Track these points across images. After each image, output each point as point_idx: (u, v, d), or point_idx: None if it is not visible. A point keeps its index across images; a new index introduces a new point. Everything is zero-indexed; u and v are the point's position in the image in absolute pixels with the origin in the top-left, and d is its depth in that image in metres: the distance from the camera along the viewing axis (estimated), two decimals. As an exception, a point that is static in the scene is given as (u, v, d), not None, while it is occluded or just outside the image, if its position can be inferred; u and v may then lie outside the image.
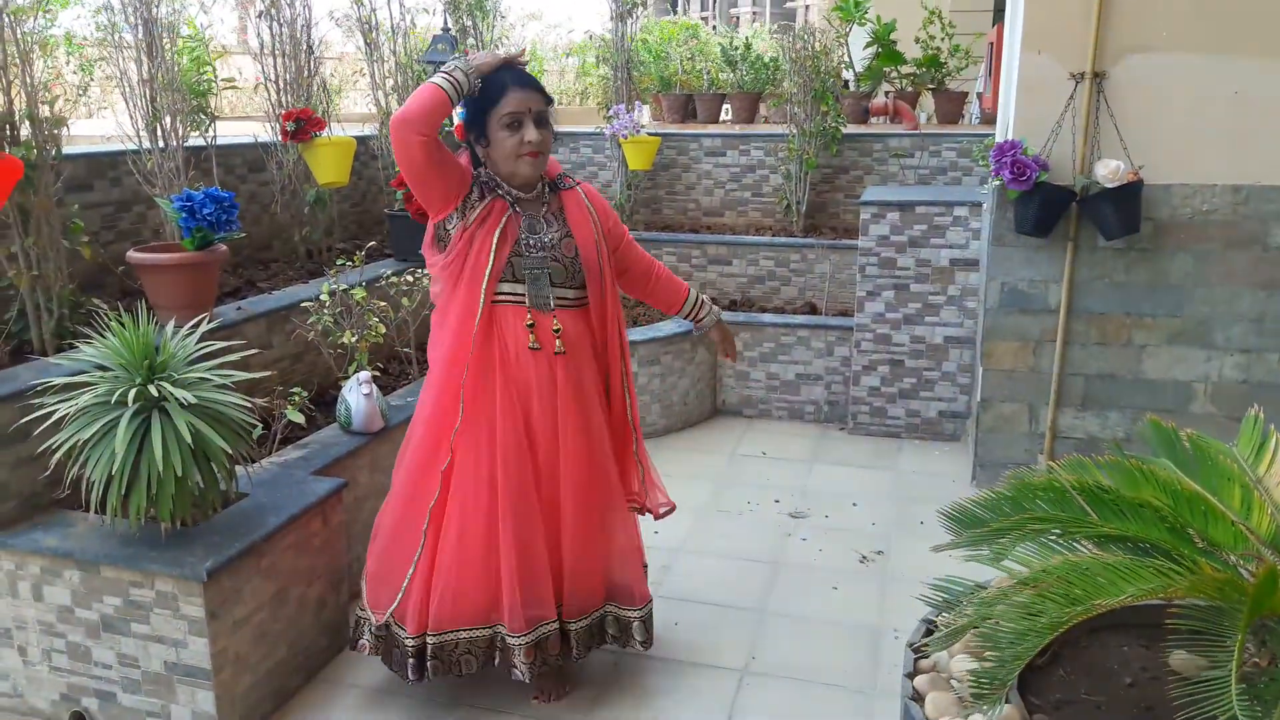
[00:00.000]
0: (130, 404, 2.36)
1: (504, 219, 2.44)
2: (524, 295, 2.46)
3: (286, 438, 3.35)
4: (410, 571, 2.57)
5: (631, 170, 6.03)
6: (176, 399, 2.40)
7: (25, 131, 3.01)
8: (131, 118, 3.62)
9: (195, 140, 4.04)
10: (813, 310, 5.57)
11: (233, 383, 2.61)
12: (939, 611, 2.14)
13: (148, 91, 3.61)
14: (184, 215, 3.20)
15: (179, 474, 2.40)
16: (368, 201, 5.36)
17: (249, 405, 2.58)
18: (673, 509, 2.88)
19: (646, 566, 2.91)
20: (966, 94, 7.45)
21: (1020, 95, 3.99)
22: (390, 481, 2.77)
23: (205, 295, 3.36)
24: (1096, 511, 2.04)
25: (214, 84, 4.18)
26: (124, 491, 2.41)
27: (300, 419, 3.20)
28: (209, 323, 2.90)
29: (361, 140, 5.06)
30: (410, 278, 3.94)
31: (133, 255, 3.27)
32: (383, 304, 3.78)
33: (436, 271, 2.52)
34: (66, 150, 3.43)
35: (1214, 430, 2.36)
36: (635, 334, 5.03)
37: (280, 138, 4.26)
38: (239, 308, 3.64)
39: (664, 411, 5.07)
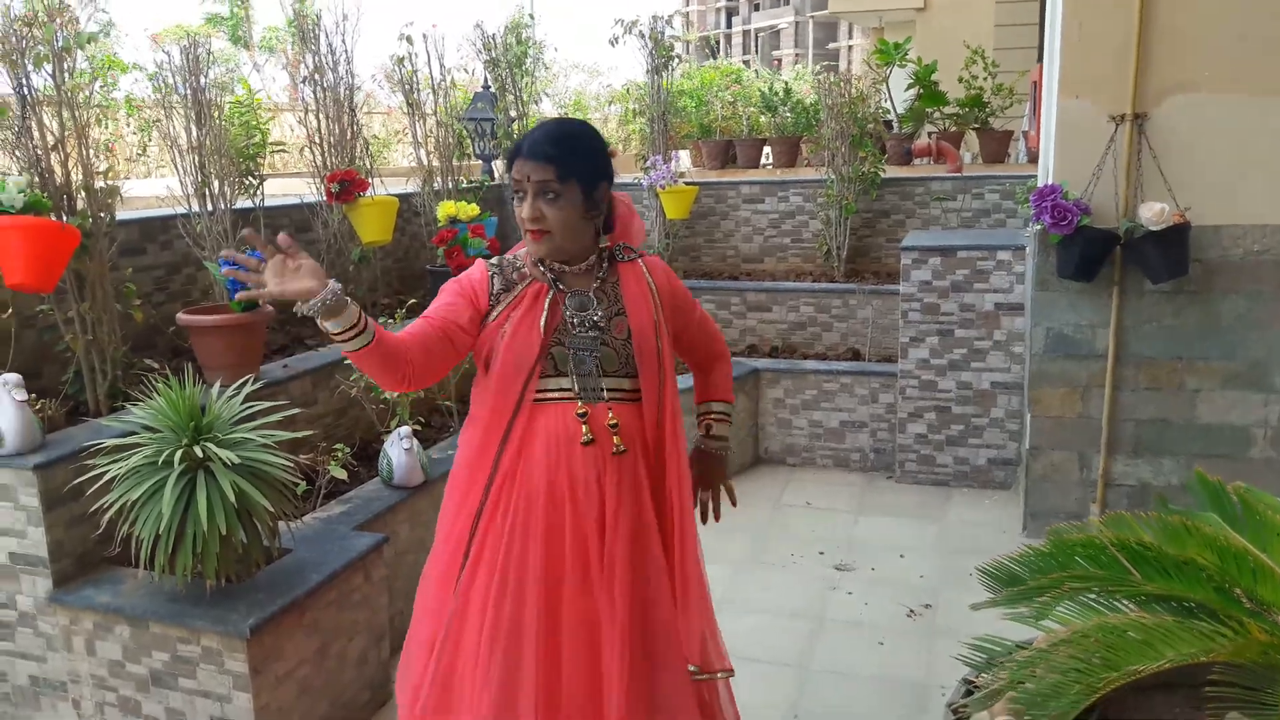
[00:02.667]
0: (176, 465, 2.46)
1: (547, 303, 2.06)
2: (570, 389, 2.05)
3: (330, 492, 3.44)
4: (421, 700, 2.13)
5: (670, 219, 6.12)
6: (221, 459, 2.50)
7: (81, 201, 3.15)
8: (181, 182, 3.78)
9: (244, 202, 4.20)
10: (855, 356, 5.58)
11: (276, 441, 2.70)
12: (978, 671, 2.13)
13: (196, 157, 3.76)
14: (229, 278, 3.33)
15: (223, 533, 2.48)
16: (410, 257, 5.50)
17: (291, 464, 2.66)
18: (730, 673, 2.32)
19: None
20: (1011, 132, 7.46)
21: (1060, 139, 4.01)
22: (430, 536, 2.72)
23: (252, 355, 3.48)
24: (1138, 569, 2.03)
25: (264, 147, 4.35)
26: (171, 550, 2.50)
27: (343, 474, 3.29)
28: (255, 382, 3.00)
29: (404, 198, 5.21)
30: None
31: (182, 317, 3.41)
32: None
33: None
34: (122, 215, 3.59)
35: (1275, 476, 2.33)
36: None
37: (325, 198, 4.41)
38: (285, 365, 3.76)
39: (706, 461, 5.09)
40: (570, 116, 3.00)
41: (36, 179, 3.00)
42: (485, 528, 2.07)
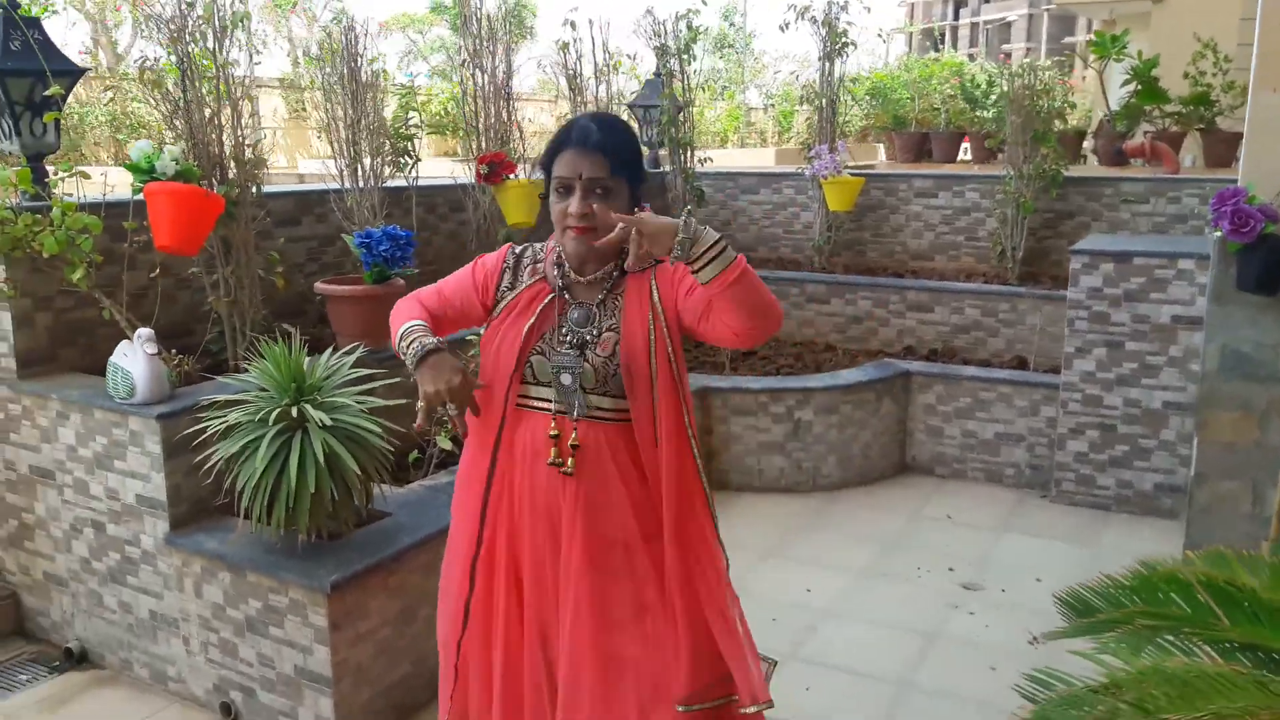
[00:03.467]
0: (271, 423, 2.62)
1: (542, 306, 2.02)
2: (552, 401, 1.99)
3: (444, 463, 3.56)
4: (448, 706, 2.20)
5: (832, 211, 5.95)
6: (315, 420, 2.64)
7: (231, 173, 3.41)
8: (335, 159, 4.02)
9: (399, 181, 4.42)
10: (1021, 365, 5.24)
11: (385, 408, 2.82)
12: (1024, 706, 1.96)
13: (350, 135, 3.98)
14: (363, 251, 3.51)
15: (313, 490, 2.62)
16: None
17: (382, 430, 2.78)
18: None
19: None
20: (1242, 134, 6.79)
21: (1250, 137, 3.61)
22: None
23: (382, 325, 3.64)
24: (1227, 613, 1.81)
25: (420, 129, 4.55)
26: (267, 503, 2.67)
27: (449, 446, 3.40)
28: (382, 351, 3.16)
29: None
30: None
31: (319, 286, 3.62)
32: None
33: None
34: (279, 188, 3.86)
35: None
36: (814, 380, 4.94)
37: (475, 180, 4.57)
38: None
39: (840, 464, 4.93)
40: (615, 114, 2.83)
41: (191, 149, 3.26)
42: (489, 536, 2.07)
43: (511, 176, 4.56)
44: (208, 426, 2.70)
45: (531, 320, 2.00)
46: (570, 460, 1.96)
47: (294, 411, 2.66)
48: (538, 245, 2.11)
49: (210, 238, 3.32)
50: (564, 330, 2.00)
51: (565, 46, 5.28)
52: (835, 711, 3.07)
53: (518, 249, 2.11)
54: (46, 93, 3.03)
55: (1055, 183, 5.46)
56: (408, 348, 1.93)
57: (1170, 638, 1.79)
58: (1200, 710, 1.45)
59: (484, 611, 2.08)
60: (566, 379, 1.98)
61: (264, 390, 2.74)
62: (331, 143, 4.02)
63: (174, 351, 3.22)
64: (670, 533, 1.99)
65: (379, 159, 4.10)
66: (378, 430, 2.78)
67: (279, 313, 3.70)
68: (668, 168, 6.42)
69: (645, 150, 6.74)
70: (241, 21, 3.27)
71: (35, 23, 3.11)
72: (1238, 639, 1.73)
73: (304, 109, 10.91)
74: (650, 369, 1.97)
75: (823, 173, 5.69)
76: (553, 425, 1.98)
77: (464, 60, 4.64)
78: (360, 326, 3.59)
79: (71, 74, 3.19)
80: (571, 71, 5.33)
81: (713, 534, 2.07)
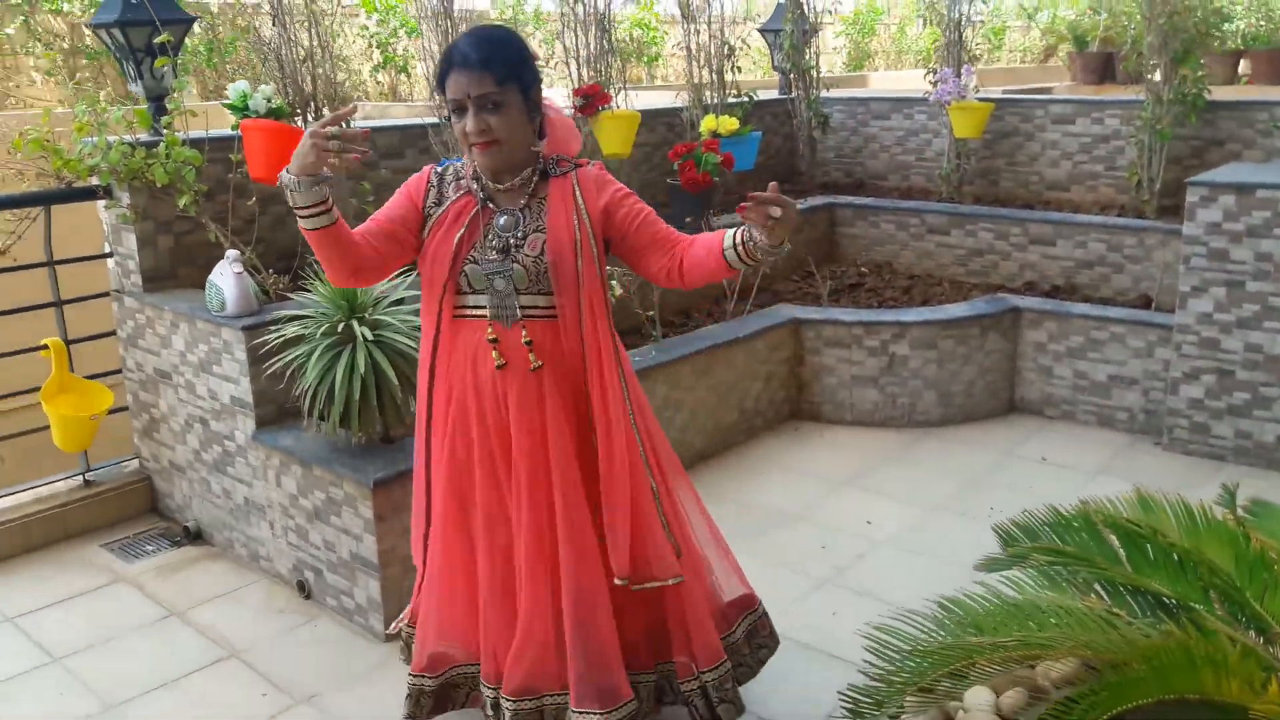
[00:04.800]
0: (319, 337, 3.00)
1: (470, 216, 2.18)
2: (485, 307, 2.18)
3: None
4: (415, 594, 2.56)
5: (958, 138, 5.81)
6: (360, 336, 3.00)
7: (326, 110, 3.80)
8: (431, 89, 4.34)
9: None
10: (1146, 304, 5.02)
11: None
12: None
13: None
14: (439, 180, 3.83)
15: (356, 397, 3.00)
16: (656, 172, 5.74)
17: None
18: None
19: (732, 619, 2.57)
20: None
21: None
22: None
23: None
24: (1131, 556, 1.85)
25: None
26: (323, 407, 3.07)
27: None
28: None
29: (672, 112, 5.48)
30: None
31: (403, 213, 3.98)
32: (617, 267, 4.16)
33: None
34: (385, 121, 4.24)
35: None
36: (910, 314, 4.93)
37: (572, 112, 4.80)
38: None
39: (940, 400, 4.92)
40: (493, 24, 2.86)
41: (284, 87, 3.66)
42: (435, 439, 2.31)
43: (606, 108, 4.76)
44: (280, 337, 3.12)
45: (461, 231, 2.16)
46: (533, 355, 2.16)
47: (341, 327, 3.03)
48: (459, 163, 2.27)
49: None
50: (490, 238, 2.17)
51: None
52: (854, 636, 3.21)
53: (439, 168, 2.27)
54: (156, 39, 3.49)
55: (1196, 107, 5.11)
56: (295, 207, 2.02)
57: (1062, 572, 1.85)
58: (1005, 636, 1.54)
59: (441, 510, 2.35)
60: (500, 283, 2.15)
61: (322, 308, 3.13)
62: (426, 76, 4.34)
63: (270, 271, 3.67)
64: (601, 419, 2.22)
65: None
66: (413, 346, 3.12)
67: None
68: (794, 93, 6.43)
69: (775, 76, 6.77)
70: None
71: (152, -24, 3.57)
72: (1124, 581, 1.78)
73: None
74: (576, 264, 2.15)
75: (945, 98, 5.55)
76: (489, 330, 2.17)
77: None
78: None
79: (184, 22, 3.64)
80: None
81: (626, 419, 2.25)
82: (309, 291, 3.16)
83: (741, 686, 2.54)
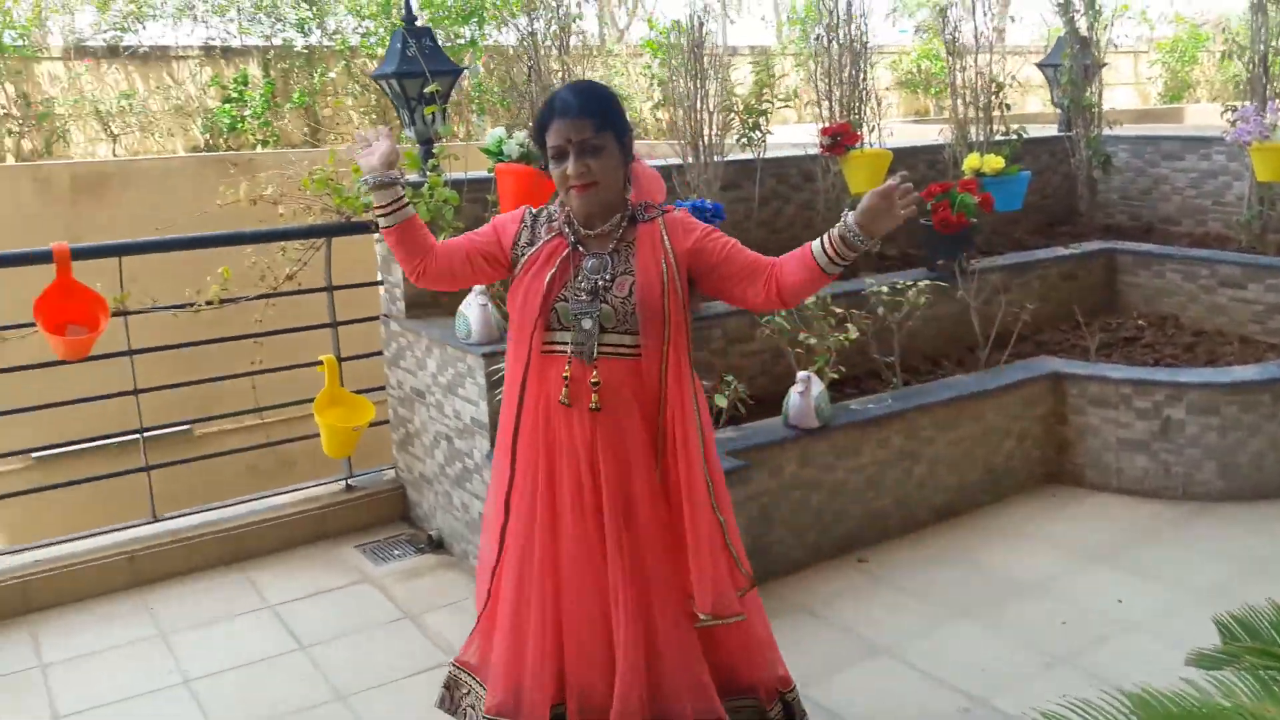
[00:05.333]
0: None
1: (561, 258, 2.32)
2: (570, 344, 2.30)
3: (733, 420, 3.94)
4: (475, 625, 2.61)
5: (1261, 182, 5.25)
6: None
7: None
8: (679, 134, 4.52)
9: (746, 154, 4.82)
10: None
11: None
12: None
13: (690, 112, 4.45)
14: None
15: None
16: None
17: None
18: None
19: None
20: None
21: None
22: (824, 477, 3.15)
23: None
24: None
25: (771, 104, 4.90)
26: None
27: (724, 403, 3.77)
28: (698, 314, 3.55)
29: (935, 149, 5.36)
30: (893, 286, 4.21)
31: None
32: (858, 311, 4.12)
33: None
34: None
35: None
36: (1190, 375, 4.51)
37: (820, 151, 4.82)
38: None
39: (1221, 472, 4.45)
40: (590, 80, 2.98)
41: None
42: (519, 471, 2.40)
43: (855, 147, 4.74)
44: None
45: (552, 271, 2.31)
46: (595, 396, 2.27)
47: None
48: (551, 208, 2.41)
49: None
50: (579, 279, 2.30)
51: (943, 10, 5.28)
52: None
53: (534, 210, 2.42)
54: (425, 90, 3.88)
55: None
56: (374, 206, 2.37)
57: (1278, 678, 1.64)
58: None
59: (518, 541, 2.41)
60: (587, 322, 2.28)
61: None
62: (674, 119, 4.52)
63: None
64: (682, 459, 2.33)
65: (721, 133, 4.52)
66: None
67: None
68: (1074, 130, 6.09)
69: (1056, 111, 6.43)
70: (577, 19, 3.86)
71: (427, 31, 3.98)
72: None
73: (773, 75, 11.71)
74: (664, 306, 2.27)
75: (1246, 137, 5.05)
76: (566, 368, 2.29)
77: (818, 35, 4.87)
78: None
79: (452, 73, 4.02)
80: (951, 35, 5.31)
81: (699, 457, 2.35)
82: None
83: None
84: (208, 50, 10.46)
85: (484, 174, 4.01)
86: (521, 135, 3.85)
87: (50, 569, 3.66)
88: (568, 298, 2.31)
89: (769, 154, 4.99)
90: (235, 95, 10.19)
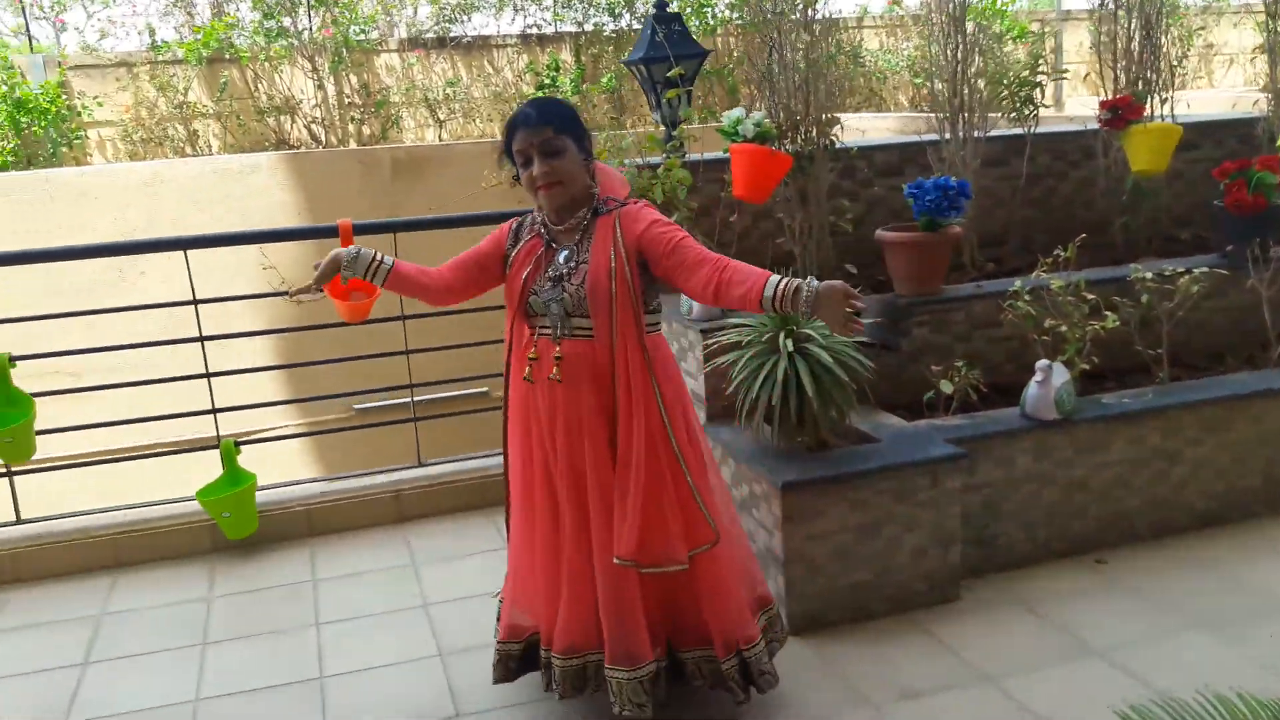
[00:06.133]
0: (747, 345, 3.36)
1: (536, 256, 2.74)
2: (548, 327, 2.73)
3: (964, 408, 3.88)
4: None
5: None
6: (784, 347, 3.31)
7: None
8: (939, 107, 4.46)
9: (1015, 129, 4.66)
10: None
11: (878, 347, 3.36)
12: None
13: (951, 85, 4.38)
14: (913, 200, 3.97)
15: (773, 403, 3.31)
16: (1201, 192, 5.09)
17: (852, 362, 3.31)
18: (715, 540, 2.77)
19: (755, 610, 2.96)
20: None
21: None
22: (1059, 473, 3.39)
23: (933, 270, 4.08)
24: None
25: (1047, 74, 4.68)
26: (748, 409, 3.43)
27: (949, 389, 3.72)
28: (933, 297, 3.84)
29: (1232, 124, 4.89)
30: (1159, 273, 3.94)
31: (878, 233, 4.18)
32: (1122, 299, 3.89)
33: None
34: (880, 140, 4.49)
35: None
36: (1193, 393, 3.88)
37: (1099, 125, 4.56)
38: (978, 285, 4.24)
39: None
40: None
41: (774, 115, 4.08)
42: (510, 439, 2.91)
43: (1138, 121, 4.45)
44: (716, 343, 3.56)
45: (528, 268, 2.74)
46: (556, 368, 2.68)
47: (769, 338, 3.36)
48: (535, 214, 2.81)
49: (789, 189, 4.13)
50: (550, 270, 2.71)
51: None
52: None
53: (516, 221, 2.86)
54: (669, 74, 4.12)
55: None
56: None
57: None
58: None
59: (514, 497, 2.94)
60: (555, 308, 2.69)
61: (761, 320, 3.49)
62: (931, 92, 4.46)
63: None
64: (624, 422, 2.67)
65: (983, 110, 4.41)
66: (843, 360, 3.32)
67: (853, 255, 4.35)
68: None
69: None
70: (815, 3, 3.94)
71: (676, 17, 4.22)
72: None
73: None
74: (611, 289, 2.62)
75: None
76: (533, 349, 2.74)
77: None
78: (909, 270, 4.07)
79: (696, 56, 4.24)
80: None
81: (651, 421, 2.67)
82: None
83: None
84: (524, 38, 11.39)
85: (721, 155, 4.20)
86: (759, 115, 4.00)
87: (332, 500, 4.34)
88: (537, 290, 2.73)
89: (1042, 128, 4.78)
90: (548, 81, 11.04)
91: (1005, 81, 4.48)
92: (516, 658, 3.02)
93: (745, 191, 3.97)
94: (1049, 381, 3.71)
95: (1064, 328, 3.84)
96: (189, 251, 4.30)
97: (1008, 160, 4.81)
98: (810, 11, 4.02)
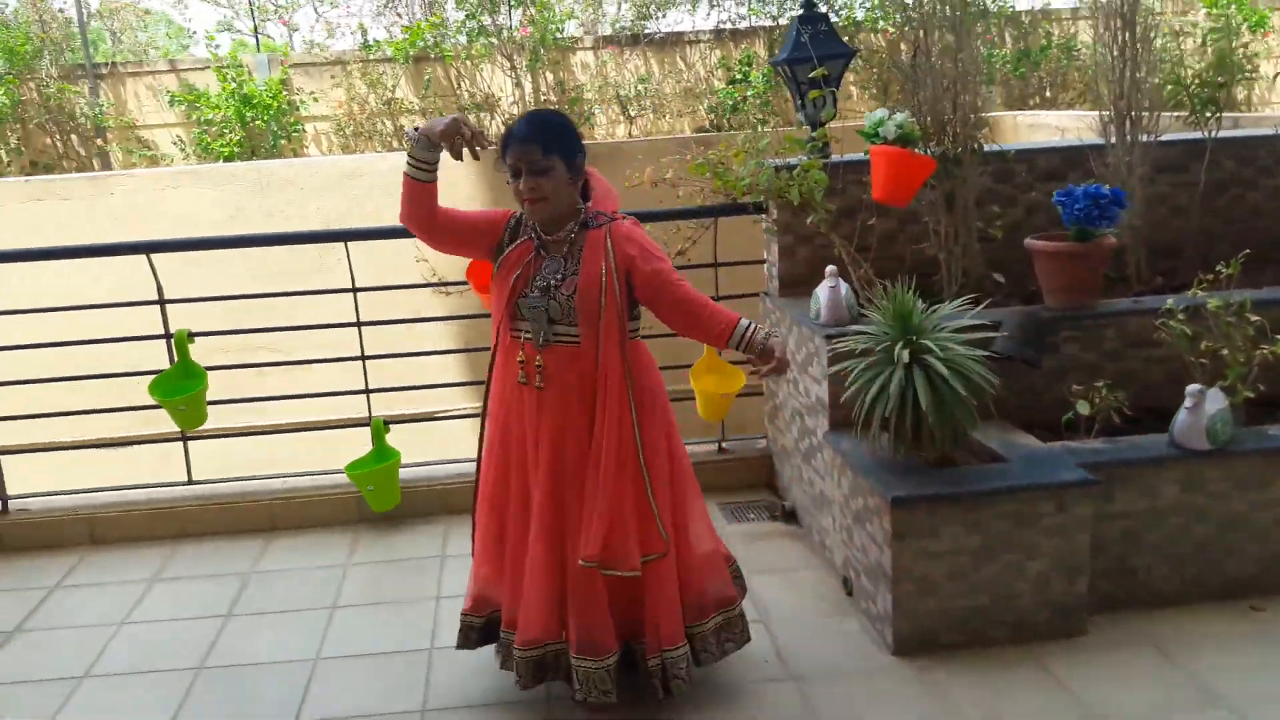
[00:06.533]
0: (860, 354, 3.32)
1: (526, 260, 2.87)
2: (525, 333, 2.88)
3: (1108, 431, 3.67)
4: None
5: None
6: (902, 361, 3.25)
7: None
8: (1101, 113, 4.23)
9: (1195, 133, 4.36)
10: None
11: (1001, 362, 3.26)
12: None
13: (1118, 88, 4.14)
14: (1062, 208, 3.79)
15: (887, 416, 3.26)
16: None
17: (976, 378, 3.21)
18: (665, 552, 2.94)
19: (709, 611, 3.10)
20: None
21: None
22: (1213, 507, 3.35)
23: (1081, 283, 3.88)
24: None
25: (1245, 73, 4.35)
26: (864, 419, 3.39)
27: (1085, 410, 3.53)
28: (1086, 310, 3.70)
29: None
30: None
31: (1028, 241, 4.00)
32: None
33: None
34: (1040, 144, 4.30)
35: None
36: None
37: (1291, 128, 4.21)
38: (1135, 300, 4.00)
39: None
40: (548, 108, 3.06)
41: (922, 115, 3.98)
42: (489, 433, 3.05)
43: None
44: (833, 350, 3.53)
45: (519, 271, 2.87)
46: (538, 376, 2.85)
47: (883, 347, 3.30)
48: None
49: (934, 192, 4.03)
50: (538, 278, 2.86)
51: None
52: None
53: (513, 215, 2.96)
54: (810, 75, 4.09)
55: None
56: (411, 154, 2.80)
57: None
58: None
59: (487, 488, 3.07)
60: (539, 315, 2.83)
61: (883, 328, 3.43)
62: (1103, 93, 4.23)
63: (884, 285, 4.05)
64: (598, 427, 2.83)
65: (1154, 112, 4.15)
66: (965, 374, 3.23)
67: (1005, 264, 4.18)
68: None
69: None
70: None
71: (823, 17, 4.18)
72: None
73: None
74: (600, 301, 2.80)
75: None
76: (520, 353, 2.88)
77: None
78: (1057, 282, 3.89)
79: (842, 56, 4.19)
80: None
81: (622, 430, 2.83)
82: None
83: (702, 668, 3.15)
84: (718, 33, 11.45)
85: (861, 156, 4.14)
86: (901, 117, 3.92)
87: (463, 482, 4.56)
88: (526, 294, 2.87)
89: (1229, 132, 4.45)
90: (740, 76, 11.06)
91: (1181, 82, 4.18)
92: (479, 629, 3.19)
93: (885, 194, 3.91)
94: (1200, 408, 3.47)
95: (1225, 350, 3.58)
96: (349, 244, 4.65)
97: (1187, 166, 4.50)
98: (958, 12, 3.90)
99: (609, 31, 11.78)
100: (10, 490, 4.52)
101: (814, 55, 4.11)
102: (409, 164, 2.81)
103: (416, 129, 2.78)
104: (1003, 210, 4.24)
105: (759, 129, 10.70)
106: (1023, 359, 3.75)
